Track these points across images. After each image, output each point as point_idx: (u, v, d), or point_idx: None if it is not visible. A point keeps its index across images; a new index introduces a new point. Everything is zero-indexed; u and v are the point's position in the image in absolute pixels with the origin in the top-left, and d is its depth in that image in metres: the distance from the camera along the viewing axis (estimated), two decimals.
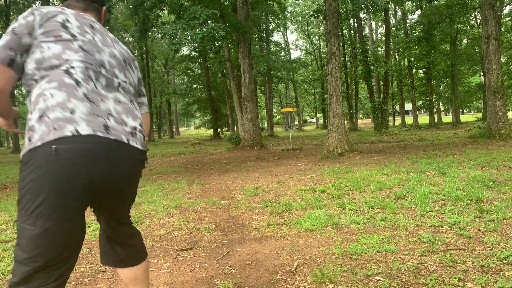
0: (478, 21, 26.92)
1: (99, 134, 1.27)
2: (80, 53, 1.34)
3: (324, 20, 10.98)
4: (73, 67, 1.31)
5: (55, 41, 1.31)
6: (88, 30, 1.42)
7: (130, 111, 1.43)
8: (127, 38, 34.01)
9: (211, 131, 36.67)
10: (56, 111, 1.23)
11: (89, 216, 4.30)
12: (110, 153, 1.29)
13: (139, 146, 1.42)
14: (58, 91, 1.26)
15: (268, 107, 30.62)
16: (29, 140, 1.23)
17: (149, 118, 1.73)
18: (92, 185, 1.27)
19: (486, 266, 2.28)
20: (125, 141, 1.35)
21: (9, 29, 1.31)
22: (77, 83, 1.30)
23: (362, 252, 2.62)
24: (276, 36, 67.73)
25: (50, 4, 24.71)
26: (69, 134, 1.22)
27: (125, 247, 1.60)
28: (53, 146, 1.19)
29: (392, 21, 30.68)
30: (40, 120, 1.23)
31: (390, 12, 30.00)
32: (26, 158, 1.23)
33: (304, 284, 2.23)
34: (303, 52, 47.88)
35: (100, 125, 1.29)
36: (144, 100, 1.68)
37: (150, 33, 26.19)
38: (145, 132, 1.55)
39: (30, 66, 1.30)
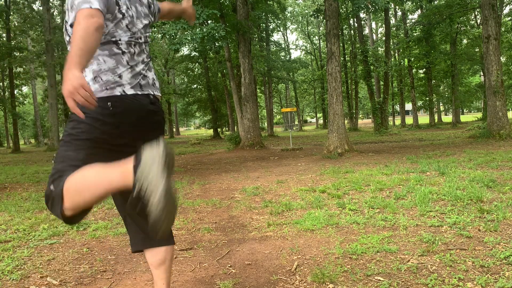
0: (478, 21, 26.91)
1: (139, 92, 1.61)
2: (127, 32, 1.63)
3: (324, 20, 10.98)
4: (120, 40, 1.60)
5: (111, 20, 1.56)
6: (129, 5, 1.65)
7: (149, 67, 1.75)
8: None
9: (211, 131, 36.65)
10: (108, 74, 1.55)
11: (89, 216, 4.30)
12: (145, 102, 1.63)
13: (158, 93, 1.74)
14: (109, 58, 1.56)
15: (268, 107, 30.62)
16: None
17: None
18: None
19: (486, 266, 2.28)
20: (151, 93, 1.68)
21: None
22: (123, 52, 1.61)
23: (362, 252, 2.62)
24: (276, 36, 67.69)
25: (50, 4, 24.74)
26: (118, 93, 1.54)
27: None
28: (109, 103, 1.50)
29: (392, 21, 30.66)
30: (94, 80, 1.53)
31: (390, 12, 29.98)
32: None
33: (304, 284, 2.23)
34: (303, 52, 47.88)
35: (137, 85, 1.62)
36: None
37: (150, 33, 26.15)
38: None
39: None
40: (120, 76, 1.56)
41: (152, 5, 1.86)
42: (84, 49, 1.31)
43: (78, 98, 1.21)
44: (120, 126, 1.52)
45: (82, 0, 1.44)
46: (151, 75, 1.73)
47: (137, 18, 1.69)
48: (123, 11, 1.60)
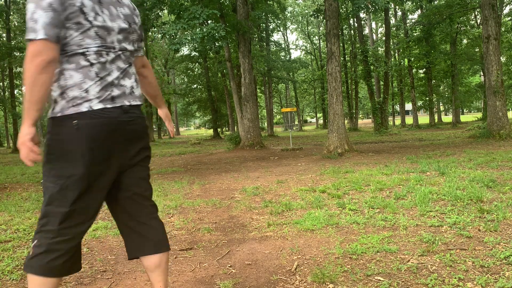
0: (478, 21, 26.91)
1: (108, 106, 1.52)
2: (97, 40, 1.53)
3: (324, 20, 10.99)
4: (88, 51, 1.51)
5: (76, 29, 1.47)
6: (98, 10, 1.53)
7: (128, 73, 1.63)
8: None
9: (211, 131, 36.65)
10: (74, 90, 1.48)
11: None
12: (114, 115, 1.54)
13: (136, 101, 1.65)
14: (76, 72, 1.49)
15: (268, 107, 30.62)
16: (53, 109, 1.51)
17: (146, 60, 1.88)
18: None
19: (486, 266, 2.28)
20: (127, 103, 1.59)
21: (44, 3, 1.39)
22: (91, 64, 1.51)
23: (362, 252, 2.62)
24: (276, 36, 67.68)
25: None
26: (85, 109, 1.47)
27: (147, 227, 1.68)
28: (74, 121, 1.46)
29: (392, 21, 30.66)
30: (61, 96, 1.48)
31: (390, 12, 29.98)
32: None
33: (304, 284, 2.23)
34: (303, 52, 47.87)
35: (108, 99, 1.53)
36: (142, 44, 1.81)
37: (150, 33, 26.19)
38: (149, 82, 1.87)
39: None
40: (87, 91, 1.48)
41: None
42: (32, 101, 1.37)
43: (23, 152, 1.39)
44: (91, 148, 1.47)
45: (29, 27, 1.38)
46: (129, 82, 1.63)
47: (113, 21, 1.58)
48: (90, 19, 1.49)
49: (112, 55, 1.57)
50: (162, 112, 2.03)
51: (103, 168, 1.52)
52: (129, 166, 1.62)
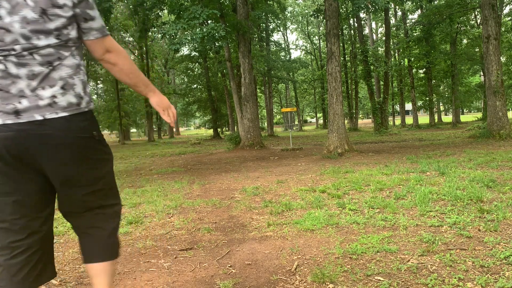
0: (478, 21, 26.91)
1: (8, 122, 1.29)
2: None
3: (324, 20, 10.99)
4: None
5: None
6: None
7: (47, 78, 1.34)
8: (127, 38, 34.01)
9: (211, 131, 36.65)
10: None
11: None
12: (23, 138, 1.30)
13: (62, 113, 1.34)
14: None
15: (268, 107, 30.62)
16: None
17: (111, 39, 1.51)
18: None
19: (486, 266, 2.28)
20: (38, 117, 1.31)
21: None
22: None
23: (362, 252, 2.62)
24: (276, 36, 67.68)
25: None
26: None
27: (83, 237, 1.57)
28: None
29: (392, 21, 30.66)
30: None
31: (390, 12, 29.98)
32: None
33: (304, 284, 2.23)
34: (303, 52, 47.87)
35: (10, 112, 1.30)
36: (93, 24, 1.44)
37: (150, 33, 26.19)
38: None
39: None
40: None
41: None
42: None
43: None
44: None
45: None
46: (49, 92, 1.33)
47: (13, 15, 1.28)
48: None
49: (15, 59, 1.30)
50: (153, 100, 1.68)
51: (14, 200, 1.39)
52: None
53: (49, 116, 1.33)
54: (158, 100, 1.69)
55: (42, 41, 1.32)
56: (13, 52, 1.30)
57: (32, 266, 1.41)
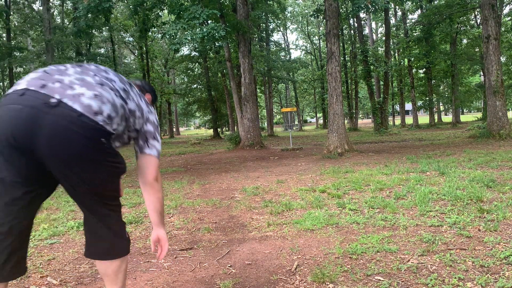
0: (478, 21, 26.89)
1: (31, 87, 1.36)
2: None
3: (324, 20, 10.98)
4: None
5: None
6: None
7: (88, 85, 1.44)
8: (127, 38, 34.01)
9: (211, 131, 36.64)
10: None
11: None
12: (35, 108, 1.33)
13: (77, 107, 1.35)
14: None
15: (268, 107, 30.62)
16: None
17: (157, 165, 1.67)
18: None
19: (486, 266, 2.28)
20: (57, 97, 1.34)
21: None
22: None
23: (362, 252, 2.62)
24: (276, 36, 67.53)
25: (50, 3, 24.72)
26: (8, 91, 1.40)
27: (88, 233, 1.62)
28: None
29: (392, 21, 30.64)
30: None
31: (390, 12, 29.97)
32: None
33: (304, 284, 2.23)
34: (303, 52, 47.86)
35: (36, 84, 1.37)
36: (150, 132, 1.67)
37: (150, 33, 26.20)
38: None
39: None
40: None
41: None
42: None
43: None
44: None
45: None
46: (81, 90, 1.42)
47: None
48: None
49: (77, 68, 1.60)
50: (156, 233, 1.76)
51: None
52: None
53: (69, 102, 1.35)
54: (161, 234, 1.75)
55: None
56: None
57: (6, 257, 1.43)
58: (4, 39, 25.12)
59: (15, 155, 1.37)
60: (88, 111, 1.36)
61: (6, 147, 1.35)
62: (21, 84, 1.37)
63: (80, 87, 1.40)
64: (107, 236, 1.58)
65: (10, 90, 1.38)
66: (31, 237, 3.48)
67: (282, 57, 33.19)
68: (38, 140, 1.32)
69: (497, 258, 2.38)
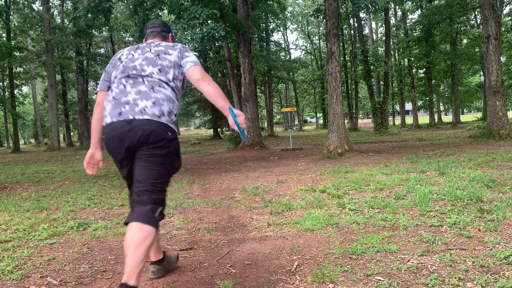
0: (478, 21, 26.91)
1: (114, 120, 2.05)
2: (120, 70, 2.17)
3: (324, 20, 10.98)
4: (113, 82, 2.17)
5: (115, 69, 2.22)
6: (132, 52, 2.23)
7: (146, 95, 2.06)
8: (127, 38, 33.99)
9: (211, 131, 36.64)
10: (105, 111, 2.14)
11: (89, 216, 4.30)
12: (121, 128, 2.02)
13: (145, 116, 2.00)
14: (105, 102, 2.17)
15: (268, 107, 30.63)
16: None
17: (200, 69, 2.18)
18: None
19: (486, 266, 2.28)
20: (130, 117, 2.00)
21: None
22: (111, 91, 2.15)
23: (362, 252, 2.62)
24: (276, 36, 67.55)
25: (50, 3, 24.73)
26: (105, 123, 2.10)
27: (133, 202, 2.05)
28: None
29: (392, 21, 30.65)
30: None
31: (390, 12, 29.97)
32: None
33: (304, 284, 2.23)
34: (303, 52, 47.86)
35: (115, 114, 2.05)
36: (189, 59, 2.20)
37: None
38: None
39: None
40: (104, 110, 2.12)
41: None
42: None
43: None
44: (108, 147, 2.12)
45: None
46: (145, 103, 2.04)
47: (140, 55, 2.20)
48: (122, 59, 2.22)
49: (131, 80, 2.13)
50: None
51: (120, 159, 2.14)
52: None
53: (137, 117, 2.01)
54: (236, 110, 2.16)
55: (156, 75, 2.14)
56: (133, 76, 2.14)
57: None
58: (4, 39, 25.11)
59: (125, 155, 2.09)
60: (154, 117, 2.01)
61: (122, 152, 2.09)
62: (107, 118, 2.08)
63: (141, 101, 2.04)
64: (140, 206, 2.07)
65: (104, 123, 2.11)
66: (30, 237, 3.50)
67: (282, 57, 33.19)
68: (132, 142, 2.02)
69: (497, 258, 2.38)
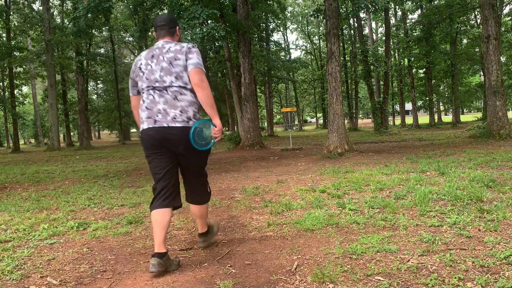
0: (478, 21, 26.90)
1: (150, 126, 2.55)
2: (145, 82, 2.58)
3: (324, 20, 10.98)
4: (143, 91, 2.61)
5: (139, 79, 2.64)
6: (149, 62, 2.58)
7: (172, 105, 2.52)
8: (127, 38, 34.00)
9: None
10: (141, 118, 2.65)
11: (89, 216, 4.30)
12: (159, 133, 2.53)
13: (178, 125, 2.50)
14: (140, 109, 2.64)
15: (268, 107, 30.62)
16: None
17: (197, 72, 2.51)
18: (162, 145, 2.57)
19: (486, 266, 2.28)
20: (165, 125, 2.51)
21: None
22: (143, 101, 2.61)
23: (362, 252, 2.62)
24: (276, 36, 67.54)
25: (50, 3, 24.73)
26: (143, 128, 2.60)
27: (189, 190, 2.92)
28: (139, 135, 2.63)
29: (392, 21, 30.65)
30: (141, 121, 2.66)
31: (390, 12, 29.96)
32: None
33: (304, 284, 2.23)
34: (303, 52, 47.84)
35: (152, 122, 2.55)
36: (191, 61, 2.53)
37: (150, 33, 26.21)
38: (198, 102, 2.62)
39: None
40: (141, 118, 2.61)
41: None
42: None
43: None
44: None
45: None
46: (174, 112, 2.53)
47: (157, 65, 2.57)
48: (143, 69, 2.61)
49: (157, 91, 2.57)
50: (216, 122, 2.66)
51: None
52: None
53: (172, 125, 2.51)
54: (218, 123, 2.62)
55: (175, 83, 2.57)
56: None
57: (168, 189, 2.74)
58: (4, 39, 25.10)
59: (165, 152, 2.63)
60: (184, 123, 2.52)
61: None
62: (144, 124, 2.57)
63: (170, 109, 2.51)
64: (202, 191, 2.89)
65: (141, 128, 2.60)
66: (30, 237, 3.50)
67: (282, 57, 33.16)
68: (171, 145, 2.57)
69: (497, 258, 2.38)
